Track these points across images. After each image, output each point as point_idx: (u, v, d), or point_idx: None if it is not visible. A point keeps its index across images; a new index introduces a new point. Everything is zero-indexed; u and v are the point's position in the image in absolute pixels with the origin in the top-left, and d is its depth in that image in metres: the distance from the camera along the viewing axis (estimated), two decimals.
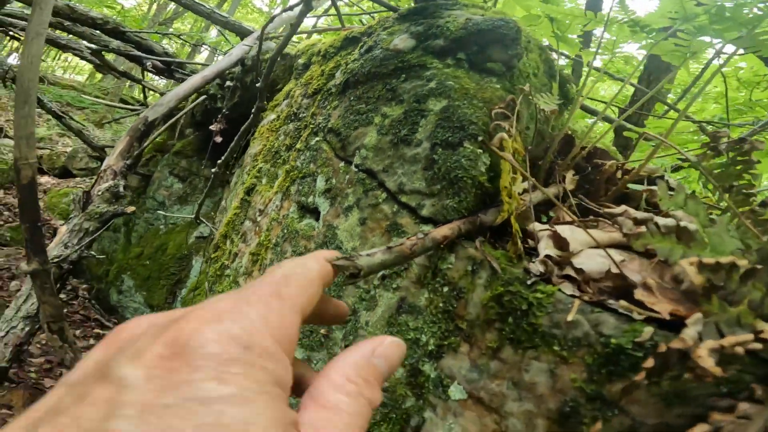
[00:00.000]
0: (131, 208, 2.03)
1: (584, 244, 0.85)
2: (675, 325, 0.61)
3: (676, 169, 1.77)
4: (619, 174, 1.19)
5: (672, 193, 0.80)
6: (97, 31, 2.90)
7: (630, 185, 1.16)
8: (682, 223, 0.71)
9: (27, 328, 1.83)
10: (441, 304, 0.88)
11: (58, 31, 2.99)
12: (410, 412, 0.85)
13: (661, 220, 0.71)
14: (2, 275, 2.96)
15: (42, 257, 1.19)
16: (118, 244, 3.07)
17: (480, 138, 0.98)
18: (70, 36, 2.93)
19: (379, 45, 1.33)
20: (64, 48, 2.96)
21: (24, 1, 2.78)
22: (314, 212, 1.36)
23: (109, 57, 3.57)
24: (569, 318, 0.66)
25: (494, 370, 0.74)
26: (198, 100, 2.50)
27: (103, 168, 2.05)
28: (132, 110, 3.29)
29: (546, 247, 0.82)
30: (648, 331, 0.60)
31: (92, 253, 1.96)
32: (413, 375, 0.87)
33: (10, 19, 2.79)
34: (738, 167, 0.89)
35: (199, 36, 3.77)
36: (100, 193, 2.00)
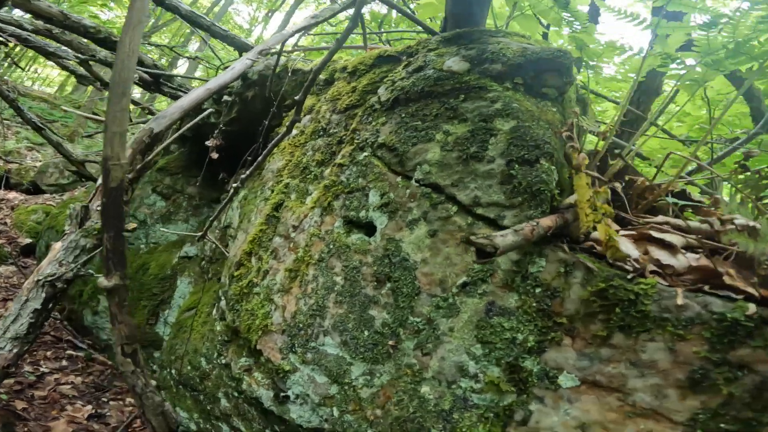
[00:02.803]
0: (133, 225, 2.03)
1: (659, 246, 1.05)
2: (763, 302, 0.82)
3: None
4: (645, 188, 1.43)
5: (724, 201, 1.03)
6: (84, 40, 2.88)
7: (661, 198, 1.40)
8: (751, 223, 0.93)
9: (15, 350, 1.77)
10: (534, 304, 1.04)
11: (38, 37, 2.93)
12: (513, 407, 0.99)
13: (737, 220, 0.93)
14: None
15: (123, 271, 1.20)
16: (95, 264, 2.99)
17: (554, 156, 1.18)
18: (58, 45, 2.89)
19: (430, 65, 1.52)
20: (50, 56, 2.89)
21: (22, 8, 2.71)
22: (365, 227, 1.48)
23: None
24: (679, 302, 0.85)
25: (606, 355, 0.90)
26: (200, 117, 2.55)
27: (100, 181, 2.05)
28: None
29: (631, 250, 1.01)
30: (752, 306, 0.79)
31: (90, 271, 1.95)
32: (513, 371, 1.01)
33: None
34: (765, 182, 1.15)
35: (189, 52, 3.79)
36: (98, 208, 2.00)
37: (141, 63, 3.24)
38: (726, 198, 1.17)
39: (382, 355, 1.27)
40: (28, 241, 3.65)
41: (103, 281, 1.17)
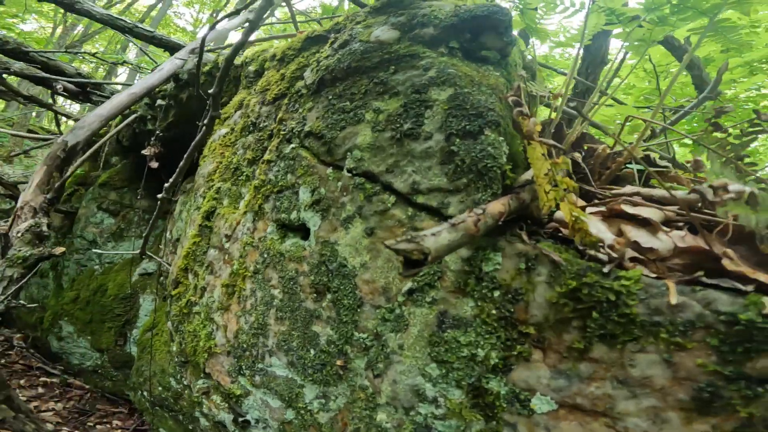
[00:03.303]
0: (60, 250, 1.71)
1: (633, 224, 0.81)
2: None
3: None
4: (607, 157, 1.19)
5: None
6: None
7: (627, 166, 1.16)
8: (747, 188, 0.69)
9: None
10: (494, 312, 0.78)
11: None
12: None
13: (731, 186, 0.68)
14: None
15: None
16: (49, 290, 2.66)
17: (501, 125, 0.92)
18: None
19: (356, 38, 1.22)
20: None
21: None
22: (300, 229, 1.20)
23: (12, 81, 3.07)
24: (673, 301, 0.60)
25: (587, 372, 0.66)
26: (124, 123, 2.21)
27: (19, 205, 1.71)
28: (44, 140, 2.83)
29: (603, 231, 0.76)
30: (764, 299, 0.55)
31: (21, 302, 1.63)
32: (476, 395, 0.76)
33: None
34: (744, 142, 0.91)
35: (116, 57, 3.36)
36: (20, 234, 1.67)
37: (62, 72, 2.83)
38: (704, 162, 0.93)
39: (332, 377, 1.01)
40: None
41: None
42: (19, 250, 1.73)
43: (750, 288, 0.59)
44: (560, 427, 0.67)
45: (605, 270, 0.68)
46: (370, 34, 1.21)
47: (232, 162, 1.51)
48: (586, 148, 1.24)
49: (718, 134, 0.94)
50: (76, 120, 2.90)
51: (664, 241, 0.72)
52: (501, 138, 0.91)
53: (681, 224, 0.82)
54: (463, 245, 0.70)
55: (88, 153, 1.93)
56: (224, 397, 1.31)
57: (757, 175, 0.85)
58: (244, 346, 1.22)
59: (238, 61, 2.13)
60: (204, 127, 1.44)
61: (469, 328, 0.79)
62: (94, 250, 2.49)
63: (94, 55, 3.48)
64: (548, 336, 0.71)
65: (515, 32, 1.47)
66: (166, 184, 1.52)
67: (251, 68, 1.83)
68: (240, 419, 1.26)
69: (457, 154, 0.91)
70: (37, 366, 2.70)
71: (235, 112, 1.73)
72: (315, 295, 1.07)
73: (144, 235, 1.60)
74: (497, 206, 0.79)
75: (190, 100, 2.42)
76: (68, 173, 1.81)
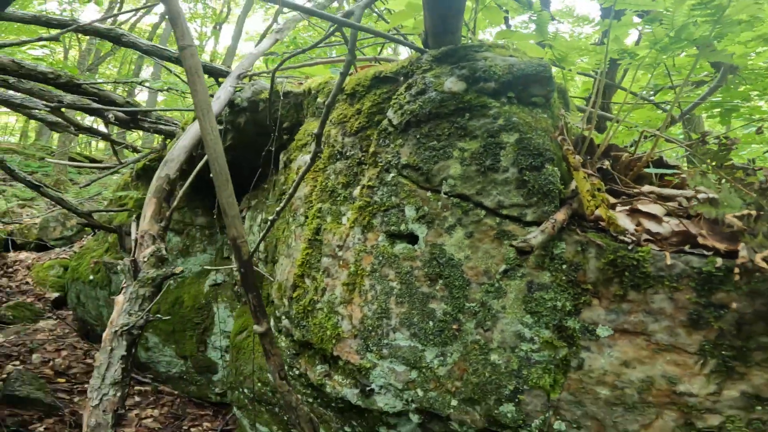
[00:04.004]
0: (179, 269, 2.33)
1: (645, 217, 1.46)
2: (726, 255, 1.24)
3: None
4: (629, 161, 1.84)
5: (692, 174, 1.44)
6: (48, 87, 3.01)
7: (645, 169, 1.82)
8: (710, 195, 1.34)
9: (118, 393, 2.11)
10: (564, 278, 1.45)
11: None
12: (568, 358, 1.41)
13: (700, 195, 1.34)
14: (19, 350, 3.12)
15: (266, 319, 1.55)
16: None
17: (554, 159, 1.56)
18: (24, 95, 3.00)
19: (431, 87, 1.85)
20: (18, 108, 3.00)
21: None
22: (406, 237, 1.84)
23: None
24: (668, 263, 1.26)
25: (627, 308, 1.32)
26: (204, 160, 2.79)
27: (139, 234, 2.32)
28: (103, 168, 3.39)
29: (627, 224, 1.42)
30: (719, 260, 1.21)
31: (158, 315, 2.27)
32: (560, 331, 1.43)
33: None
34: (724, 152, 1.56)
35: (159, 83, 3.89)
36: (145, 259, 2.30)
37: (113, 102, 3.41)
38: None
39: (449, 338, 1.67)
40: (56, 294, 3.96)
41: (257, 328, 1.52)
42: (147, 273, 2.37)
43: (710, 253, 1.24)
44: (617, 345, 1.34)
45: (630, 248, 1.34)
46: (442, 84, 1.83)
47: (327, 186, 2.14)
48: (613, 155, 1.89)
49: (705, 147, 1.60)
50: (133, 149, 3.48)
51: (665, 228, 1.38)
52: (556, 168, 1.55)
53: (680, 214, 1.48)
54: (547, 241, 1.36)
55: (186, 183, 2.53)
56: (350, 373, 1.93)
57: (735, 177, 1.50)
58: (370, 328, 1.87)
59: (297, 89, 2.75)
60: (310, 161, 2.06)
61: (549, 289, 1.45)
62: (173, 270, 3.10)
63: (141, 83, 4.04)
64: (600, 289, 1.37)
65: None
66: (253, 201, 2.13)
67: (320, 99, 2.45)
68: (366, 389, 1.90)
69: (528, 181, 1.56)
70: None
71: (313, 141, 2.35)
72: (429, 282, 1.72)
73: (256, 244, 2.22)
74: (561, 215, 1.44)
75: (247, 125, 3.04)
76: (174, 203, 2.42)
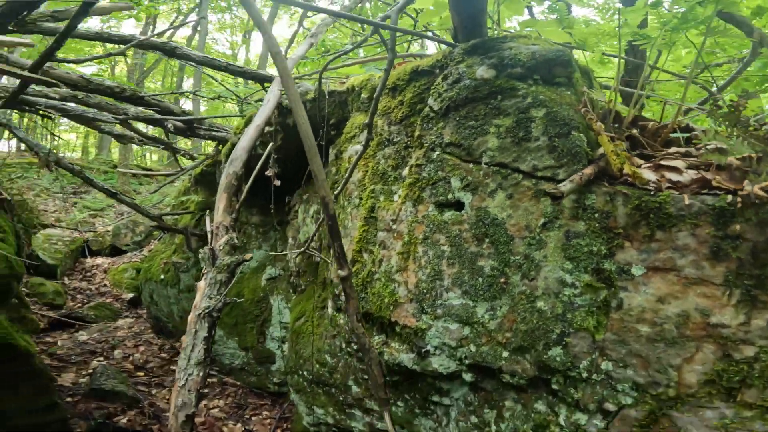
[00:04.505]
0: (249, 256, 2.62)
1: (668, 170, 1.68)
2: (736, 193, 1.45)
3: None
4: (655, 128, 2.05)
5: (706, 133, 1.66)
6: (111, 100, 3.36)
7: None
8: (719, 145, 1.56)
9: (201, 373, 2.39)
10: (597, 225, 1.67)
11: (76, 105, 3.39)
12: (608, 299, 1.63)
13: (709, 145, 1.55)
14: (103, 347, 3.47)
15: (347, 265, 1.81)
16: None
17: (580, 127, 1.79)
18: (95, 110, 3.35)
19: (465, 76, 2.10)
20: (90, 122, 3.36)
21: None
22: (454, 205, 2.08)
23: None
24: (687, 202, 1.48)
25: (656, 247, 1.54)
26: (265, 154, 3.08)
27: (214, 226, 2.62)
28: (167, 176, 3.76)
29: (651, 176, 1.64)
30: (729, 196, 1.43)
31: (234, 298, 2.55)
32: (599, 273, 1.65)
33: (34, 98, 3.16)
34: (735, 112, 1.77)
35: (214, 92, 4.27)
36: (221, 247, 2.59)
37: (171, 112, 3.75)
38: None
39: (498, 292, 1.90)
40: (131, 295, 4.36)
41: (340, 272, 1.78)
42: (223, 260, 2.67)
43: (722, 192, 1.46)
44: (651, 282, 1.55)
45: (652, 193, 1.56)
46: (474, 73, 2.08)
47: (378, 169, 2.41)
48: (640, 125, 2.10)
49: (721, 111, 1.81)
50: (185, 154, 3.82)
51: (685, 177, 1.60)
52: (582, 134, 1.78)
53: (700, 167, 1.70)
54: (576, 190, 1.59)
55: (250, 180, 2.83)
56: (407, 338, 2.16)
57: (747, 131, 1.70)
58: (424, 291, 2.11)
59: (340, 88, 3.02)
60: (362, 148, 2.32)
61: (585, 236, 1.68)
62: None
63: (195, 93, 4.41)
64: (630, 232, 1.60)
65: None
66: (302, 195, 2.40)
67: (364, 95, 2.72)
68: (423, 350, 2.14)
69: (558, 146, 1.79)
70: None
71: (361, 132, 2.62)
72: (476, 241, 1.96)
73: (311, 236, 2.49)
74: (588, 170, 1.67)
75: (296, 126, 3.32)
76: (242, 197, 2.72)
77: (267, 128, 3.36)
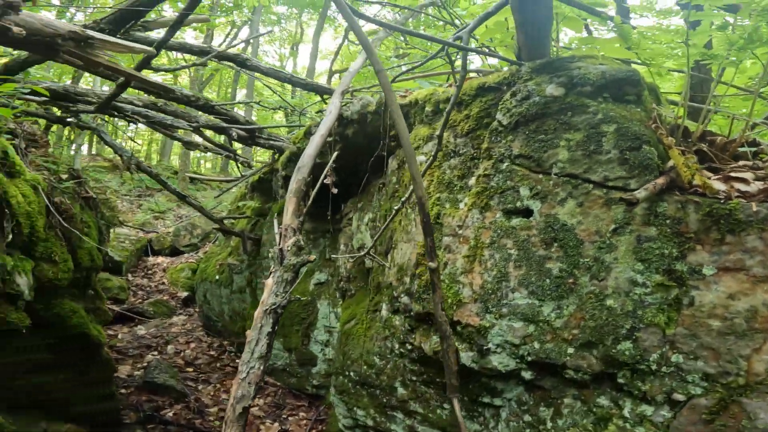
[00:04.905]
0: (312, 257, 2.77)
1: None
2: None
3: None
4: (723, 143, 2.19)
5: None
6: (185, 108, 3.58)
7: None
8: None
9: (262, 367, 2.49)
10: (668, 230, 1.80)
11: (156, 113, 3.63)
12: (679, 297, 1.75)
13: None
14: (158, 342, 3.60)
15: (437, 258, 1.95)
16: (247, 303, 3.73)
17: (650, 141, 1.94)
18: (173, 118, 3.57)
19: (534, 93, 2.27)
20: (168, 128, 3.57)
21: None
22: (522, 212, 2.22)
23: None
24: (754, 209, 1.61)
25: (726, 249, 1.67)
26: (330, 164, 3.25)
27: (282, 228, 2.78)
28: (228, 182, 3.97)
29: (720, 186, 1.78)
30: None
31: (298, 296, 2.68)
32: (670, 274, 1.77)
33: (121, 104, 3.39)
34: None
35: (271, 103, 4.52)
36: (288, 248, 2.74)
37: (237, 121, 3.96)
38: None
39: (565, 292, 2.02)
40: (186, 293, 4.56)
41: (431, 264, 1.91)
42: (289, 260, 2.81)
43: None
44: (722, 281, 1.67)
45: (722, 201, 1.69)
46: (543, 91, 2.25)
47: (444, 179, 2.56)
48: (709, 139, 2.24)
49: None
50: (243, 162, 4.01)
51: (752, 187, 1.73)
52: (652, 148, 1.93)
53: (765, 178, 1.83)
54: (649, 198, 1.73)
55: (317, 185, 2.99)
56: (468, 337, 2.27)
57: None
58: (489, 291, 2.23)
59: (402, 101, 3.21)
60: (432, 158, 2.48)
61: (656, 240, 1.81)
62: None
63: (258, 103, 4.66)
64: (702, 236, 1.72)
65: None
66: (356, 204, 2.55)
67: (428, 108, 2.90)
68: (484, 348, 2.24)
69: (629, 159, 1.94)
70: None
71: (425, 144, 2.80)
72: (544, 245, 2.09)
73: (374, 239, 2.64)
74: (660, 180, 1.81)
75: (355, 135, 3.51)
76: (309, 201, 2.88)
77: (327, 138, 3.54)
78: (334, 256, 3.53)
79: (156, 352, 3.61)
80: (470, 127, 2.53)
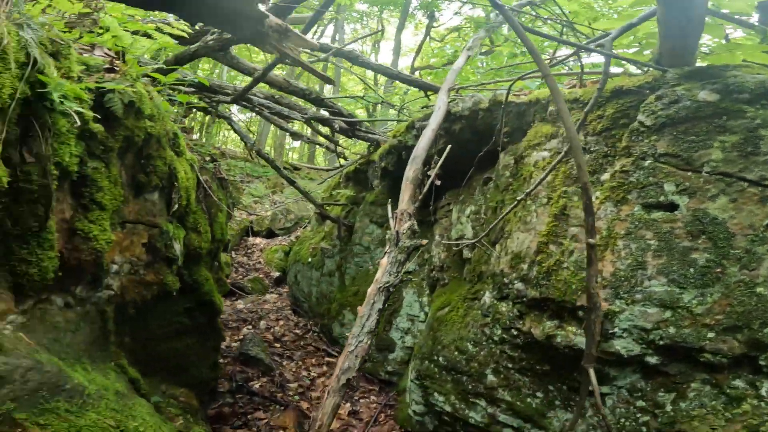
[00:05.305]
0: (424, 241, 2.85)
1: None
2: None
3: None
4: None
5: None
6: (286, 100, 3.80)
7: None
8: None
9: (369, 341, 2.54)
10: None
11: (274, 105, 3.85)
12: None
13: None
14: (253, 317, 3.68)
15: (595, 235, 2.01)
16: (334, 286, 3.80)
17: None
18: (289, 110, 3.80)
19: (684, 97, 2.37)
20: (285, 118, 3.79)
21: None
22: (664, 207, 2.27)
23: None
24: None
25: None
26: (441, 160, 3.38)
27: (398, 212, 2.88)
28: (327, 170, 4.15)
29: None
30: None
31: (409, 276, 2.75)
32: None
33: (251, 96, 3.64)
34: None
35: (375, 97, 4.76)
36: (404, 231, 2.84)
37: (340, 114, 4.15)
38: None
39: (711, 281, 2.04)
40: (277, 274, 4.75)
41: (590, 240, 1.97)
42: (404, 242, 2.90)
43: None
44: None
45: None
46: (695, 96, 2.35)
47: (572, 174, 2.65)
48: None
49: None
50: (339, 154, 4.18)
51: None
52: None
53: None
54: None
55: (433, 174, 3.10)
56: (583, 322, 2.31)
57: None
58: (622, 278, 2.26)
59: (518, 100, 3.34)
60: (562, 155, 2.58)
61: None
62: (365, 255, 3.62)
63: (362, 98, 4.90)
64: None
65: None
66: (458, 196, 2.64)
67: (551, 108, 3.01)
68: (608, 332, 2.25)
69: None
70: (322, 348, 3.84)
71: (548, 141, 2.90)
72: (690, 237, 2.14)
73: (489, 228, 2.71)
74: None
75: (462, 131, 3.64)
76: (425, 189, 2.98)
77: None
78: (444, 241, 3.59)
79: (251, 326, 3.70)
80: (603, 127, 2.63)
